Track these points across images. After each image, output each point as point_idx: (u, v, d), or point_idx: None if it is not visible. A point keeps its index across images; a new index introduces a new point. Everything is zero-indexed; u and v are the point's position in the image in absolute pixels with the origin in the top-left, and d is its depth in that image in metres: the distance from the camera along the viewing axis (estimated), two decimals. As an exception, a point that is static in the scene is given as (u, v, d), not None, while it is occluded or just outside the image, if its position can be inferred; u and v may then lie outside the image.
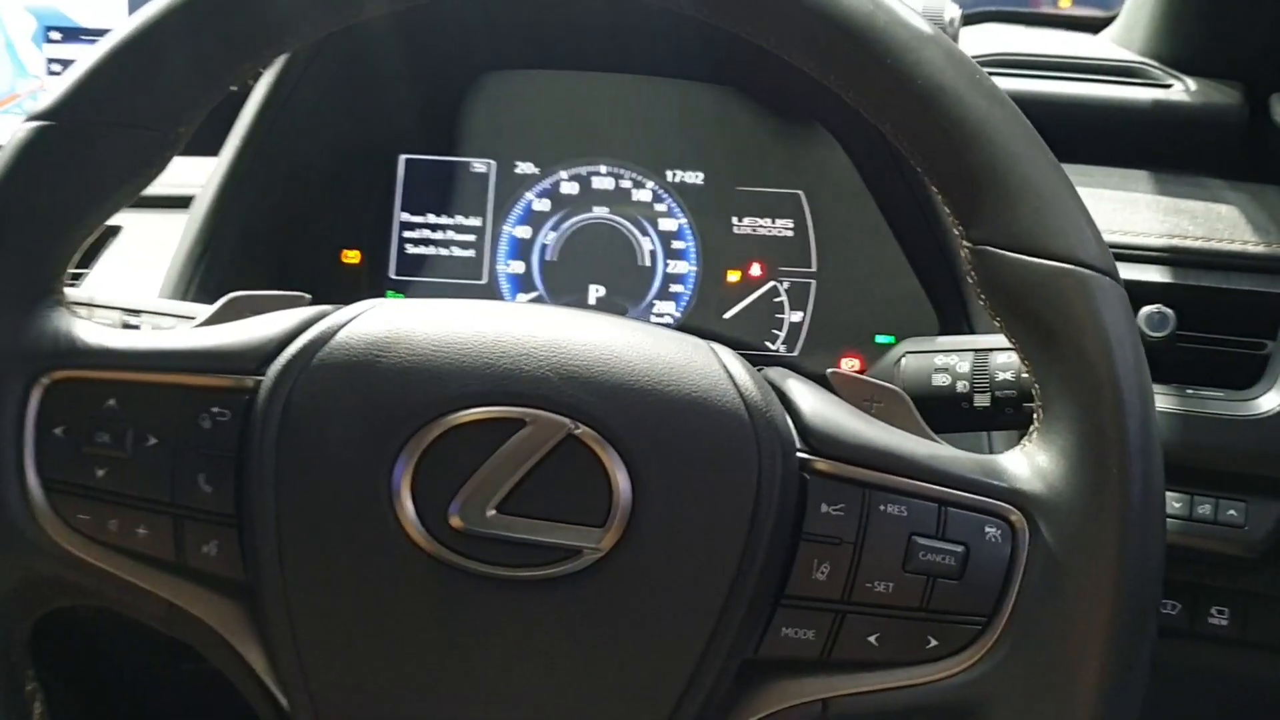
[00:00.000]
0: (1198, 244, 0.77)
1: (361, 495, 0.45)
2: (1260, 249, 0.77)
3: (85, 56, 0.48)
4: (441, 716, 0.46)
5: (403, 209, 0.87)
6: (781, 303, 0.86)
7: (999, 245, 0.47)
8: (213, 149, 0.80)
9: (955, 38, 0.81)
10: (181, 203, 0.80)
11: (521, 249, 0.88)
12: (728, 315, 0.87)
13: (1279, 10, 0.83)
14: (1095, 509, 0.45)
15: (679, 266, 0.87)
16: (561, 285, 0.87)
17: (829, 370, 0.57)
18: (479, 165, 0.88)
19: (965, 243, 0.48)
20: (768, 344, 0.87)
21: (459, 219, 0.87)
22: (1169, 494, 0.73)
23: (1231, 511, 0.73)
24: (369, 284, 0.86)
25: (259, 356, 0.47)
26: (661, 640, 0.45)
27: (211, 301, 0.54)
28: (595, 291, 0.87)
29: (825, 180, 0.84)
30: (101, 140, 0.48)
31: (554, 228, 0.87)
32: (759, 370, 0.51)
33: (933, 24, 0.48)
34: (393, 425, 0.45)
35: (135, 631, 0.50)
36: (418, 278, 0.87)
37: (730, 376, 0.47)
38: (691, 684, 0.45)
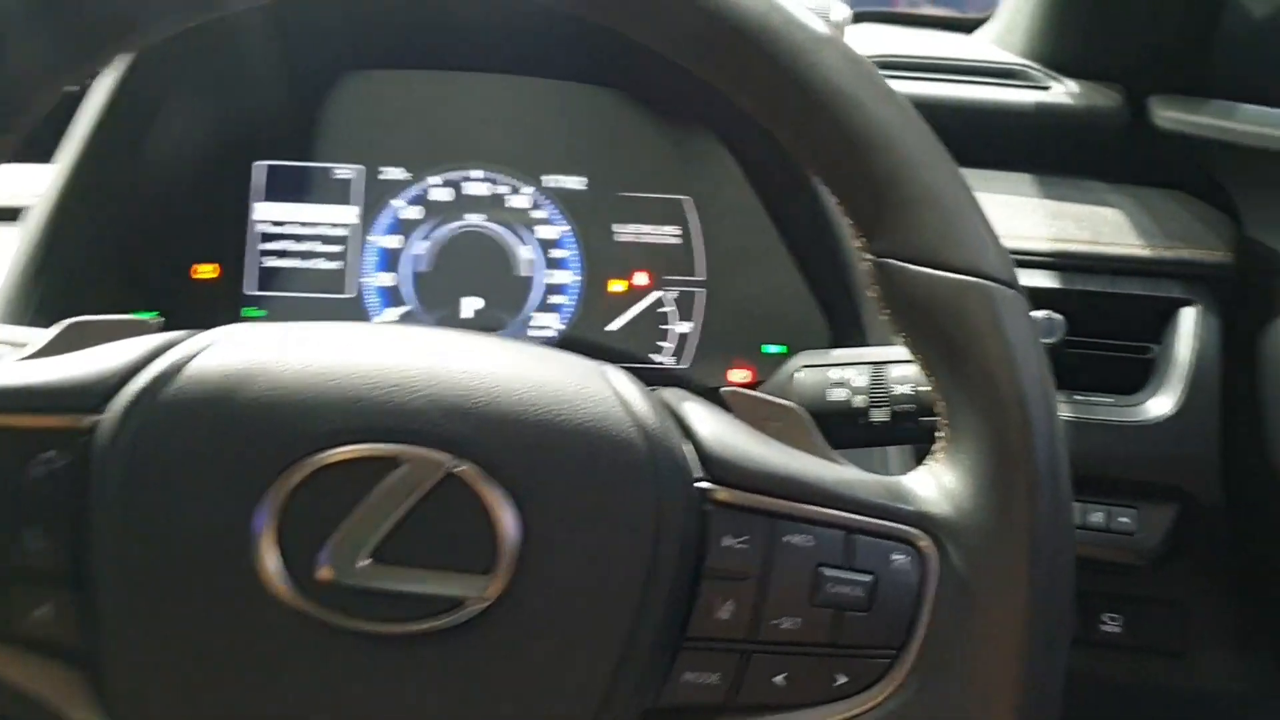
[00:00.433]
0: (1084, 248, 0.78)
1: (218, 547, 0.41)
2: (1145, 252, 0.77)
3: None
4: None
5: (261, 219, 0.82)
6: (668, 313, 0.84)
7: (902, 258, 0.46)
8: (45, 155, 0.74)
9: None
10: (10, 215, 0.74)
11: (390, 260, 0.84)
12: (612, 327, 0.84)
13: (1156, 12, 0.84)
14: (1004, 531, 0.45)
15: (559, 276, 0.84)
16: (434, 298, 0.84)
17: (724, 389, 0.55)
18: (344, 171, 0.84)
19: (867, 255, 0.47)
20: (654, 356, 0.84)
21: (322, 229, 0.83)
22: (1062, 502, 0.73)
23: (1124, 519, 0.74)
24: (226, 300, 0.81)
25: (99, 392, 0.42)
26: (555, 695, 0.42)
27: (52, 325, 0.49)
28: (470, 304, 0.84)
29: (712, 186, 0.83)
30: None
31: (425, 237, 0.84)
32: (653, 392, 0.48)
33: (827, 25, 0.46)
34: (252, 468, 0.41)
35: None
36: (278, 292, 0.82)
37: (623, 402, 0.44)
38: None
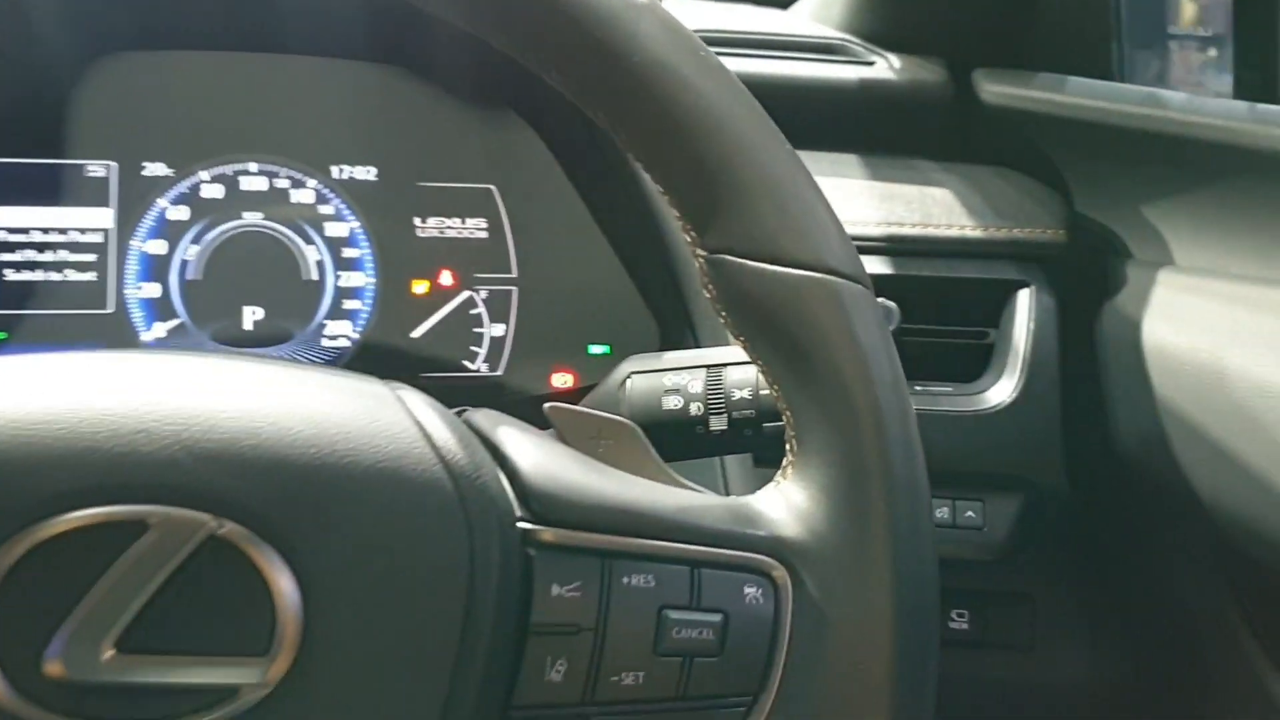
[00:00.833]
0: (916, 231, 0.75)
1: None
2: (978, 234, 0.76)
3: None
4: None
5: (-3, 225, 0.72)
6: (480, 315, 0.78)
7: (739, 253, 0.42)
8: None
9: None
10: None
11: (156, 268, 0.75)
12: (417, 333, 0.78)
13: (975, -17, 0.82)
14: (862, 552, 0.41)
15: (353, 279, 0.77)
16: (209, 309, 0.75)
17: (547, 405, 0.50)
18: (96, 168, 0.74)
19: (700, 251, 0.42)
20: (466, 363, 0.78)
21: (74, 235, 0.73)
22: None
23: (970, 513, 0.72)
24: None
25: None
26: None
27: None
28: (252, 314, 0.76)
29: (522, 173, 0.77)
30: None
31: (195, 240, 0.75)
32: (459, 415, 0.42)
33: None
34: None
35: None
36: (24, 311, 0.72)
37: (424, 432, 0.38)
38: None
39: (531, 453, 0.40)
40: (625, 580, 0.39)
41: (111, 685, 0.34)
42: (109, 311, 0.74)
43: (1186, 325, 0.66)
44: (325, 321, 0.77)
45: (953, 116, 0.83)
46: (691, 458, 0.59)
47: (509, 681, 0.37)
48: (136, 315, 0.74)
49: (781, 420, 0.54)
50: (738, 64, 0.85)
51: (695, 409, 0.55)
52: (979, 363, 0.75)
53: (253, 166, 0.76)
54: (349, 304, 0.77)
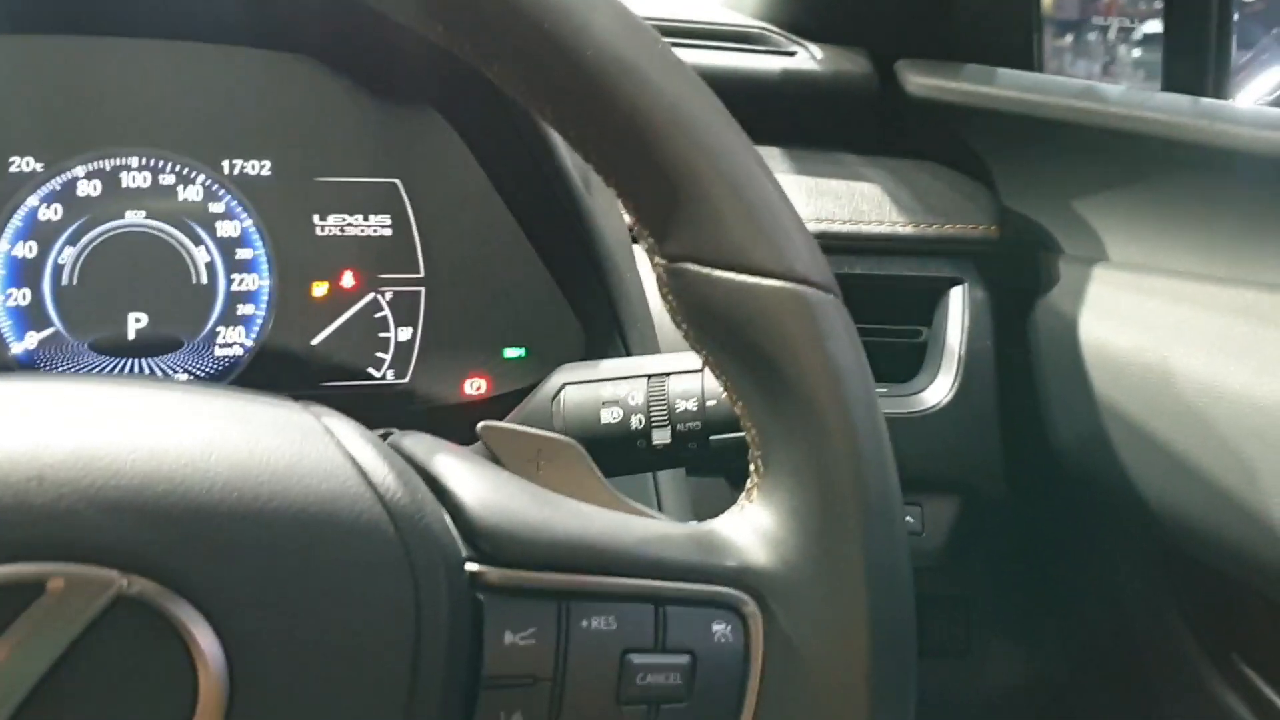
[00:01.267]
0: (846, 228, 0.74)
1: None
2: (909, 230, 0.74)
3: None
4: None
5: None
6: (385, 318, 0.74)
7: (703, 261, 0.39)
8: None
9: None
10: None
11: (26, 272, 0.68)
12: (317, 339, 0.73)
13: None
14: (835, 583, 0.39)
15: (247, 281, 0.72)
16: (87, 317, 0.69)
17: (481, 425, 0.46)
18: (-47, 162, 0.68)
19: (659, 259, 0.39)
20: (372, 371, 0.74)
21: (-71, 236, 0.67)
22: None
23: (908, 519, 0.70)
24: None
25: None
26: None
27: None
28: (135, 322, 0.70)
29: (429, 166, 0.72)
30: None
31: (71, 241, 0.69)
32: (389, 441, 0.39)
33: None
34: None
35: None
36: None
37: (359, 468, 0.34)
38: None
39: (474, 484, 0.37)
40: (584, 623, 0.36)
41: None
42: (-28, 322, 0.68)
43: (1127, 323, 0.66)
44: (217, 329, 0.72)
45: (877, 109, 0.82)
46: (629, 473, 0.56)
47: None
48: (4, 324, 0.68)
49: (730, 433, 0.52)
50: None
51: (636, 422, 0.52)
52: (912, 363, 0.74)
53: (134, 160, 0.70)
54: (243, 309, 0.72)
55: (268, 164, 0.72)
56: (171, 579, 0.31)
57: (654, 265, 0.40)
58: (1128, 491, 0.65)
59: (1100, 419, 0.66)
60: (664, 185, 0.38)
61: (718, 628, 0.38)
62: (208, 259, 0.71)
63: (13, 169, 0.68)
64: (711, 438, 0.52)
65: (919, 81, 0.79)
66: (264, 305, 0.72)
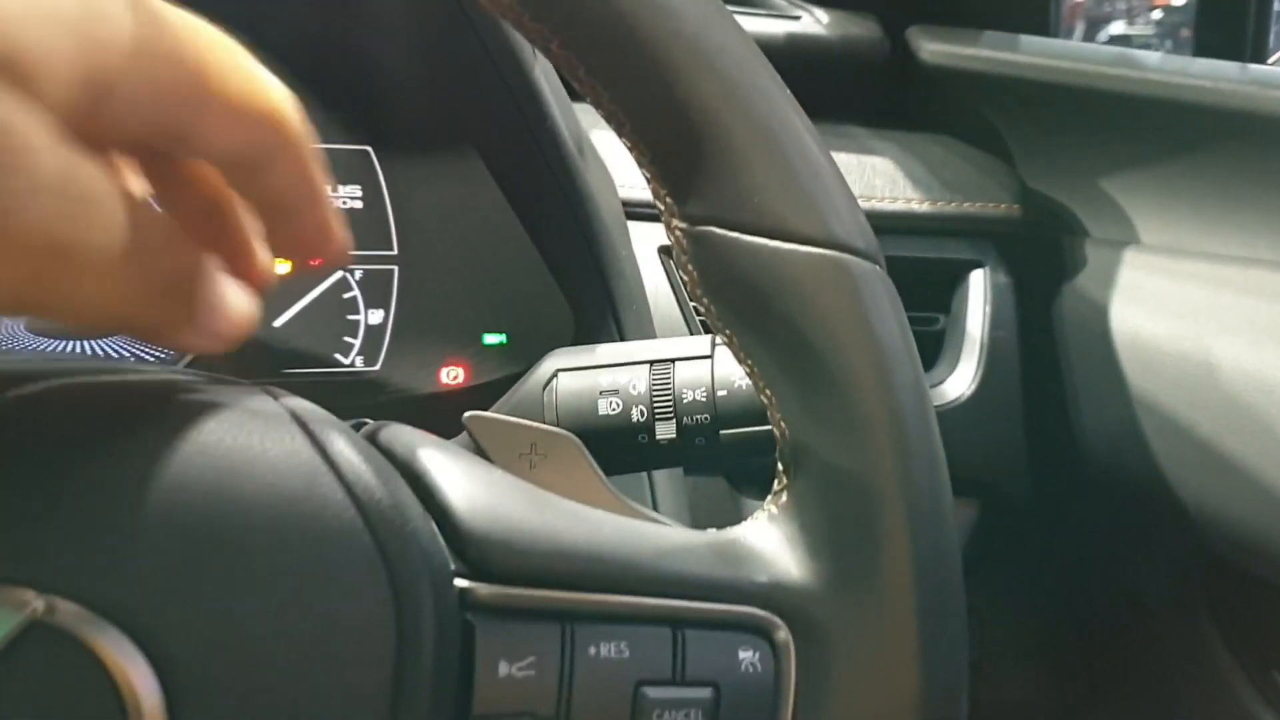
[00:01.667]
0: (857, 204, 0.69)
1: None
2: (925, 208, 0.69)
3: None
4: None
5: None
6: (354, 299, 0.68)
7: (728, 225, 0.34)
8: None
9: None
10: None
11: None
12: (279, 321, 0.68)
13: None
14: (882, 602, 0.34)
15: (203, 257, 0.66)
16: None
17: (466, 415, 0.41)
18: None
19: (678, 222, 0.35)
20: (339, 356, 0.68)
21: None
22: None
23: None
24: None
25: None
26: None
27: None
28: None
29: (405, 131, 0.67)
30: None
31: (6, 209, 0.63)
32: (365, 433, 0.34)
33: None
34: None
35: None
36: None
37: (330, 461, 0.29)
38: None
39: (464, 484, 0.32)
40: (592, 650, 0.31)
41: None
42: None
43: (1162, 310, 0.61)
44: (167, 308, 0.66)
45: (888, 78, 0.77)
46: (627, 472, 0.51)
47: None
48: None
49: (744, 426, 0.47)
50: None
51: (638, 414, 0.47)
52: (929, 352, 0.69)
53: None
54: (197, 287, 0.67)
55: (225, 128, 0.66)
56: (98, 601, 0.25)
57: (671, 230, 0.35)
58: (1161, 493, 0.61)
59: (1132, 414, 0.62)
60: (686, 133, 0.33)
61: (744, 655, 0.33)
62: (158, 231, 0.66)
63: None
64: (722, 432, 0.46)
65: (933, 49, 0.75)
66: (220, 283, 0.67)
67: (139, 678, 0.25)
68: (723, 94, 0.33)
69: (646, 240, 0.70)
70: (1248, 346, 0.57)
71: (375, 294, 0.68)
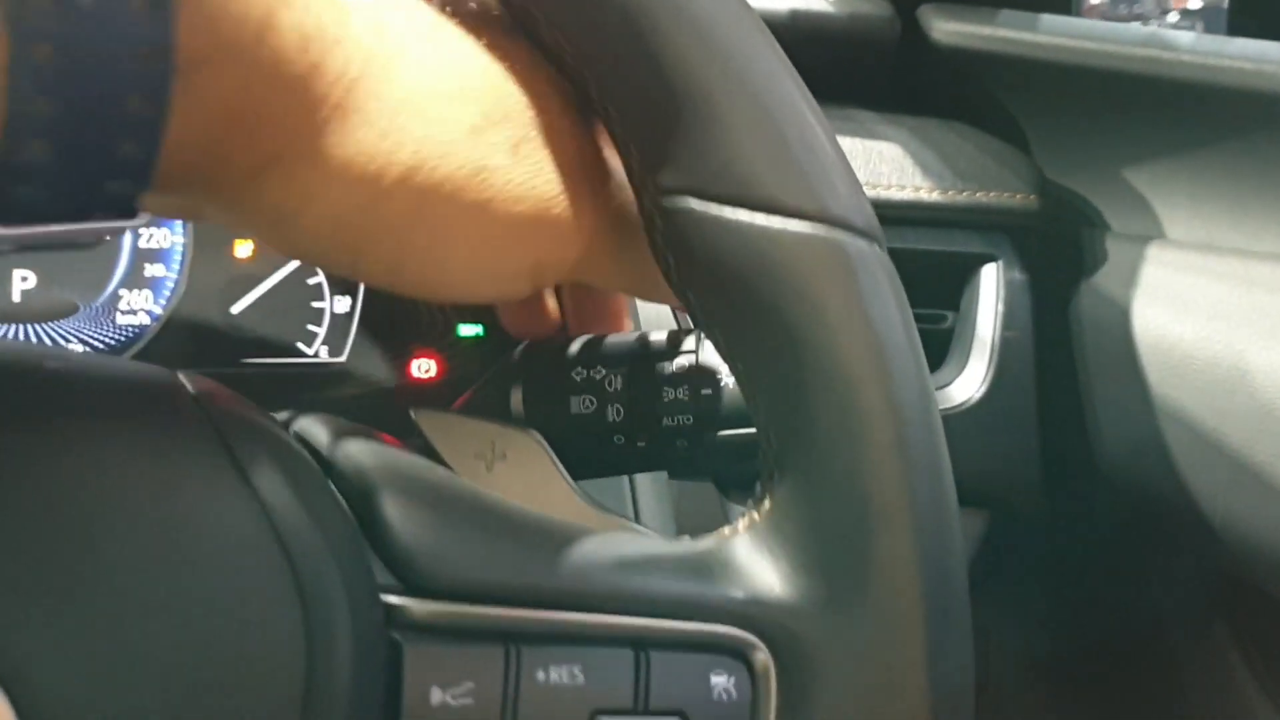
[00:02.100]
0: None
1: None
2: (935, 197, 0.66)
3: None
4: None
5: None
6: (319, 285, 0.66)
7: (707, 195, 0.31)
8: None
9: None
10: None
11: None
12: (237, 307, 0.65)
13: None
14: (878, 622, 0.31)
15: (156, 237, 0.64)
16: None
17: (415, 410, 0.38)
18: None
19: (650, 193, 0.31)
20: (302, 346, 0.65)
21: None
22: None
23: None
24: None
25: None
26: None
27: None
28: (22, 281, 0.62)
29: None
30: None
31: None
32: (285, 421, 0.30)
33: None
34: None
35: None
36: None
37: (230, 452, 0.26)
38: None
39: (396, 484, 0.29)
40: (540, 675, 0.28)
41: None
42: None
43: (1189, 310, 0.58)
44: (120, 292, 0.63)
45: (898, 59, 0.74)
46: (600, 476, 0.48)
47: None
48: None
49: (730, 429, 0.44)
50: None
51: (613, 413, 0.44)
52: (935, 352, 0.66)
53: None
54: (151, 269, 0.64)
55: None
56: None
57: (642, 205, 0.32)
58: (1184, 508, 0.58)
59: (1155, 422, 0.59)
60: (660, 90, 0.30)
61: (717, 680, 0.30)
62: (109, 209, 0.63)
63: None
64: (704, 433, 0.43)
65: (947, 28, 0.71)
66: (176, 265, 0.64)
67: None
68: (703, 46, 0.30)
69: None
70: (1282, 350, 0.53)
71: (342, 280, 0.66)
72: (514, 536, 0.29)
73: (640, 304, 0.60)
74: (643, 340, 0.45)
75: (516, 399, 0.43)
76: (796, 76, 0.32)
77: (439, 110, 0.30)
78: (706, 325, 0.33)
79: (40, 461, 0.24)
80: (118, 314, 0.63)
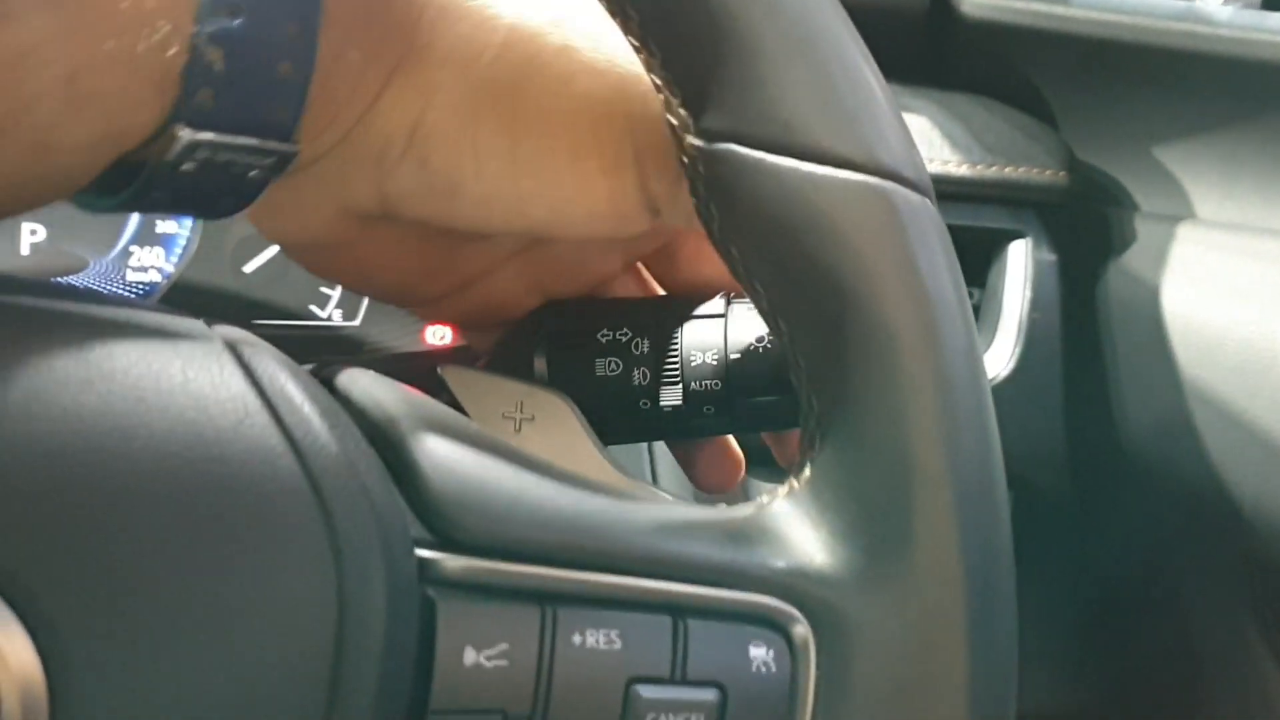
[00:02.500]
0: (889, 166, 0.64)
1: None
2: (963, 171, 0.65)
3: None
4: None
5: None
6: (334, 247, 0.64)
7: (753, 143, 0.30)
8: None
9: None
10: None
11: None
12: (250, 267, 0.64)
13: None
14: (921, 596, 0.30)
15: (170, 195, 0.62)
16: (-30, 226, 0.60)
17: (443, 367, 0.37)
18: None
19: (692, 139, 0.30)
20: (315, 309, 0.64)
21: None
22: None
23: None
24: None
25: None
26: None
27: None
28: (31, 235, 0.61)
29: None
30: None
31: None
32: (320, 374, 0.29)
33: None
34: None
35: None
36: None
37: (265, 397, 0.25)
38: None
39: (433, 438, 0.28)
40: (577, 639, 0.27)
41: None
42: None
43: (1221, 292, 0.57)
44: (131, 248, 0.62)
45: (925, 32, 0.73)
46: (624, 442, 0.47)
47: None
48: None
49: (760, 396, 0.43)
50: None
51: (640, 377, 0.42)
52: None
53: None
54: (163, 226, 0.63)
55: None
56: None
57: (684, 151, 0.31)
58: (1212, 491, 0.57)
59: (1183, 404, 0.58)
60: (705, 30, 0.29)
61: (756, 653, 0.29)
62: (121, 164, 0.62)
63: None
64: (738, 400, 0.42)
65: (976, 0, 0.70)
66: (188, 222, 0.63)
67: (12, 646, 0.21)
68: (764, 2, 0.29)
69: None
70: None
71: (358, 242, 0.65)
72: (552, 494, 0.28)
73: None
74: (670, 301, 0.44)
75: (540, 360, 0.42)
76: (848, 21, 0.31)
77: (524, 4, 0.34)
78: (748, 282, 0.31)
79: (72, 400, 0.23)
80: (128, 270, 0.62)
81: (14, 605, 0.21)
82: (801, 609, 0.29)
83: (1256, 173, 0.59)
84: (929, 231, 0.31)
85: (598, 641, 0.27)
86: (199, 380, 0.24)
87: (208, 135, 0.29)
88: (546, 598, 0.27)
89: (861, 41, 0.31)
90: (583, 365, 0.43)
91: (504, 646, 0.26)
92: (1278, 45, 0.56)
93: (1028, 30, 0.68)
